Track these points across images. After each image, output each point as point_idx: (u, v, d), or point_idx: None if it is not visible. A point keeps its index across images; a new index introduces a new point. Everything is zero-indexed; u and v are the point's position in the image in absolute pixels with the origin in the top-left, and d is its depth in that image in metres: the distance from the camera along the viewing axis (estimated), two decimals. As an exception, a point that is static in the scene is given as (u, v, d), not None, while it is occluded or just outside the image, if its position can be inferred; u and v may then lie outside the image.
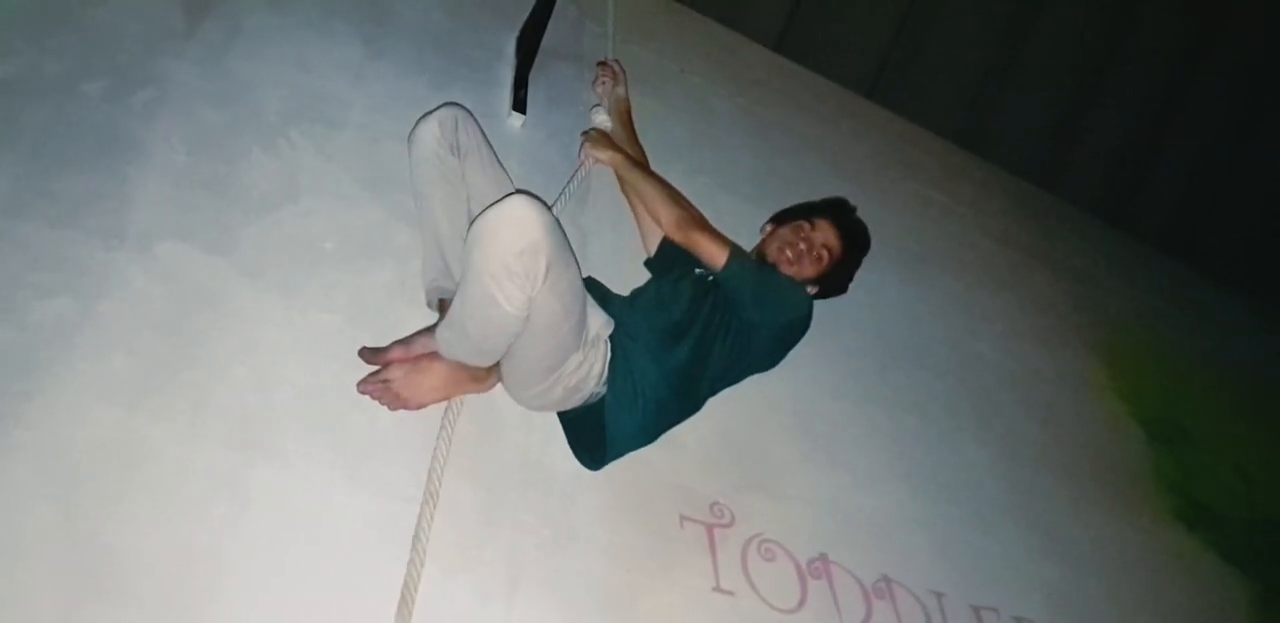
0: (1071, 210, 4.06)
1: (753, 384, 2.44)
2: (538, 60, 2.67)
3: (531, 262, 1.66)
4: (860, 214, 3.24)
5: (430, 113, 2.06)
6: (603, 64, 2.72)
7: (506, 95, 2.60)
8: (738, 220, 2.84)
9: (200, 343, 1.80)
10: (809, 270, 2.32)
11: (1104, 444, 3.14)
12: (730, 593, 2.04)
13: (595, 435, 1.98)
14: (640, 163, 2.49)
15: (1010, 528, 2.65)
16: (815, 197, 3.13)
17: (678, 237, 2.23)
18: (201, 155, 2.04)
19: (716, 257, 2.16)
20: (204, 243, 1.92)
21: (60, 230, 1.79)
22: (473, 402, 1.97)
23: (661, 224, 2.29)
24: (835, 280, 2.39)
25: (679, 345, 2.05)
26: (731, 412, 2.30)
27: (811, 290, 2.33)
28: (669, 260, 2.39)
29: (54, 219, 1.80)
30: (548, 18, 2.68)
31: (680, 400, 2.09)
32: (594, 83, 2.69)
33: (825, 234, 2.35)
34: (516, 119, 2.55)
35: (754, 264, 2.24)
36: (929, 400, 2.80)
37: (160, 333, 1.77)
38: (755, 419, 2.37)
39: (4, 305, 1.66)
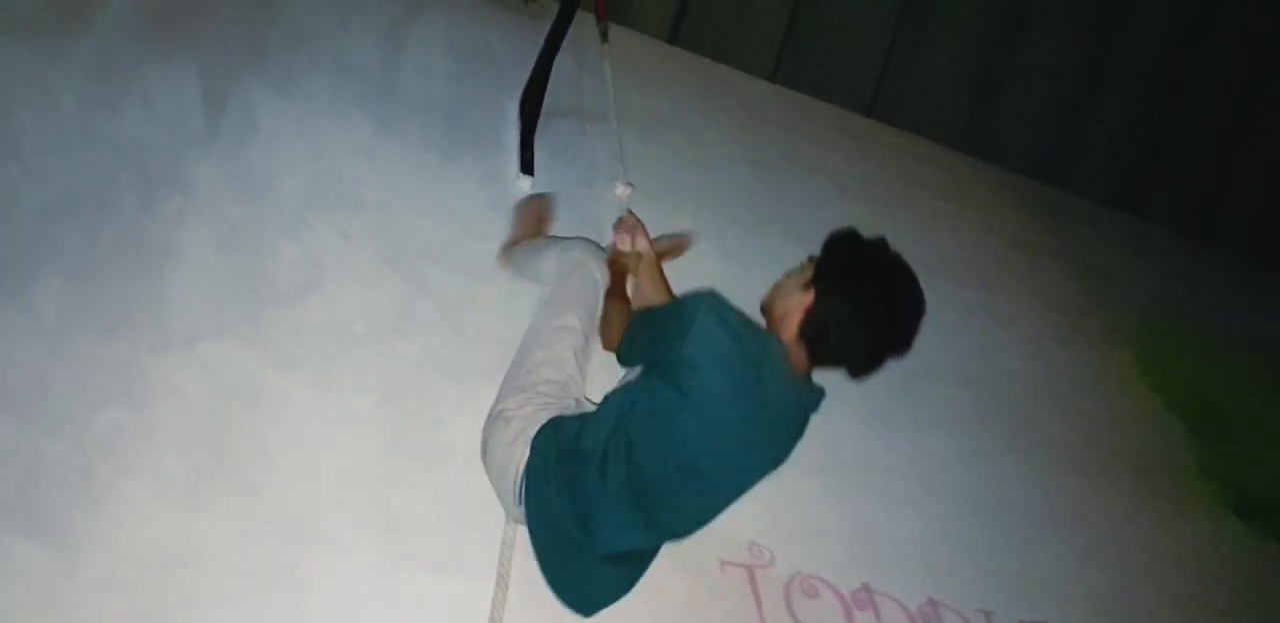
0: (1085, 204, 4.01)
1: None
2: (541, 120, 2.71)
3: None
4: (871, 231, 3.23)
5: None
6: (621, 223, 2.19)
7: (513, 159, 2.64)
8: (744, 250, 2.86)
9: (245, 437, 1.85)
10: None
11: (1143, 440, 3.08)
12: (777, 633, 2.05)
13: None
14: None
15: (1054, 538, 2.61)
16: (823, 221, 3.10)
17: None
18: (231, 252, 2.11)
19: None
20: (241, 338, 1.98)
21: (109, 341, 1.86)
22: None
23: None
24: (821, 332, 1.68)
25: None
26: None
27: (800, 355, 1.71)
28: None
29: (102, 331, 1.87)
30: (547, 79, 2.72)
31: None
32: (615, 240, 2.16)
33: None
34: (525, 181, 2.59)
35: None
36: (958, 416, 2.78)
37: (207, 431, 1.83)
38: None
39: (63, 419, 1.73)
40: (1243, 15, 4.07)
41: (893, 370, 2.76)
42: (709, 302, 1.65)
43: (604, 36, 2.57)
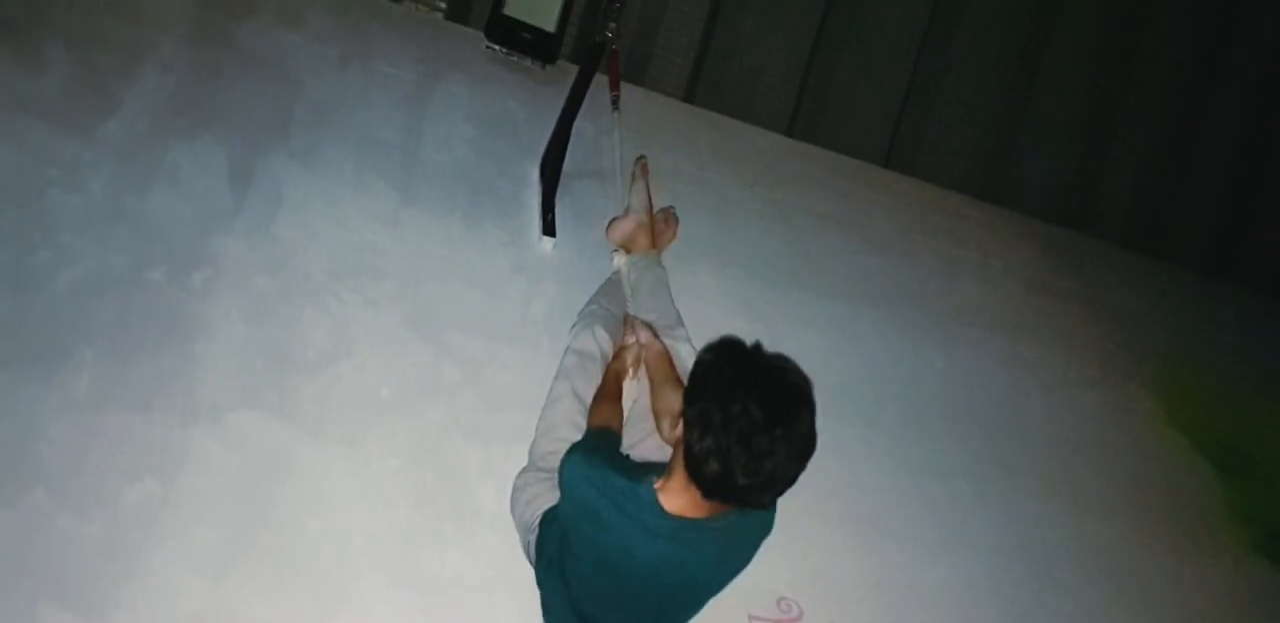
0: (1104, 247, 3.98)
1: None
2: (561, 182, 2.76)
3: None
4: (891, 280, 3.27)
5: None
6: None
7: (535, 221, 2.68)
8: (769, 306, 2.88)
9: (275, 504, 1.87)
10: None
11: (1169, 483, 3.03)
12: (807, 690, 2.02)
13: None
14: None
15: (1083, 584, 2.56)
16: (843, 272, 3.16)
17: None
18: (258, 323, 2.15)
19: None
20: (270, 408, 2.01)
21: (140, 415, 1.90)
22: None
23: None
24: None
25: None
26: (782, 504, 2.28)
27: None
28: None
29: (134, 404, 1.91)
30: (567, 142, 2.77)
31: None
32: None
33: None
34: (547, 242, 2.63)
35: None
36: (983, 463, 2.75)
37: (237, 500, 1.85)
38: (806, 507, 2.33)
39: (95, 494, 1.76)
40: (1259, 59, 4.08)
41: (916, 418, 2.80)
42: (577, 461, 1.55)
43: (615, 104, 2.62)
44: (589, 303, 2.21)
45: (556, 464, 1.65)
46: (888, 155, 3.81)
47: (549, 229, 2.65)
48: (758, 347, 1.53)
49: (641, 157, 2.50)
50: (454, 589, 1.88)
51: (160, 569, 1.71)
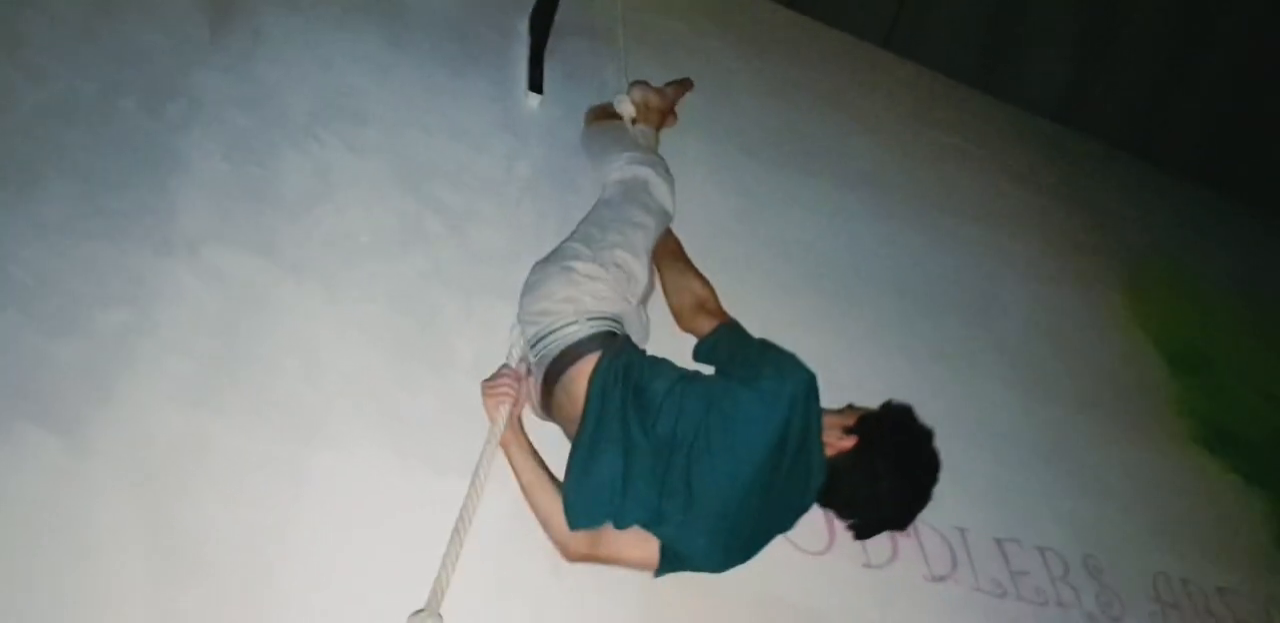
0: (1094, 146, 3.93)
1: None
2: (551, 38, 2.63)
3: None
4: (882, 166, 3.21)
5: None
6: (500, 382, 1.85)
7: (522, 76, 2.57)
8: (758, 182, 2.82)
9: (252, 340, 1.85)
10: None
11: (1125, 376, 3.10)
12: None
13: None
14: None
15: (1033, 464, 2.64)
16: (837, 153, 3.10)
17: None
18: (237, 160, 2.07)
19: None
20: (247, 245, 1.96)
21: (114, 244, 1.84)
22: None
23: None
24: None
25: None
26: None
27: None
28: None
29: (107, 234, 1.85)
30: (558, -4, 2.63)
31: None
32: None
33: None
34: (534, 99, 2.53)
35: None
36: (953, 348, 2.78)
37: (214, 333, 1.83)
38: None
39: (70, 319, 1.73)
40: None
41: (893, 300, 2.80)
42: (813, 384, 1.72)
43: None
44: (622, 151, 2.15)
45: (625, 285, 1.81)
46: (888, 37, 3.67)
47: (536, 86, 2.54)
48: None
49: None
50: (428, 432, 1.89)
51: (136, 395, 1.70)
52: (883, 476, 1.70)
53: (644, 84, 2.41)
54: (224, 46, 2.23)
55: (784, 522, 1.76)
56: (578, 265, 1.82)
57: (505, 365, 1.88)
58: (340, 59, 2.36)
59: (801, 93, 3.19)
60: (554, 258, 1.91)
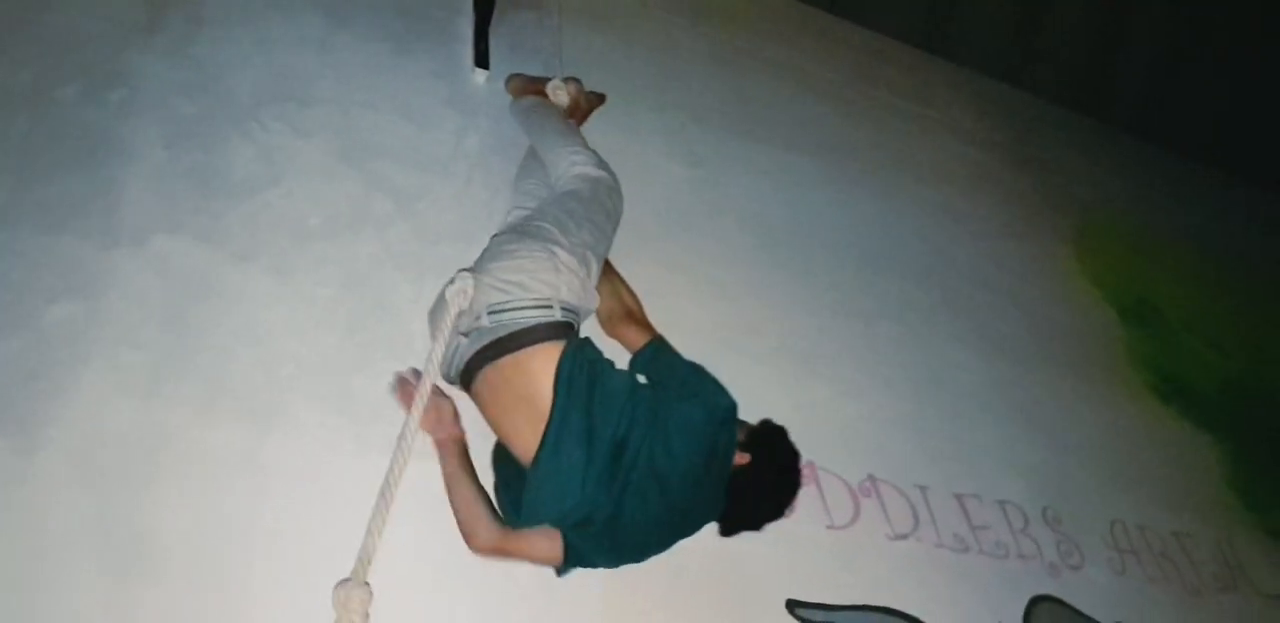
0: (1041, 104, 3.96)
1: (731, 309, 2.48)
2: (496, 12, 2.60)
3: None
4: (832, 130, 3.22)
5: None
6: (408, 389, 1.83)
7: (468, 51, 2.54)
8: (708, 149, 2.82)
9: (203, 329, 1.83)
10: None
11: (1077, 330, 3.15)
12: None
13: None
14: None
15: (989, 420, 2.69)
16: (786, 120, 3.10)
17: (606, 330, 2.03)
18: (180, 147, 2.03)
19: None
20: (194, 233, 1.93)
21: (56, 236, 1.81)
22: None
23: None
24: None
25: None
26: (713, 338, 2.32)
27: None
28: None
29: (49, 225, 1.82)
30: (501, -32, 2.60)
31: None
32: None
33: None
34: (480, 75, 2.50)
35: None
36: (906, 307, 2.81)
37: (164, 323, 1.80)
38: (736, 344, 2.39)
39: (14, 313, 1.70)
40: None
41: (845, 263, 2.82)
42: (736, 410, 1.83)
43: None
44: (581, 146, 2.13)
45: (585, 278, 1.83)
46: (833, 1, 3.66)
47: (482, 60, 2.51)
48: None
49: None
50: (385, 415, 1.88)
51: (87, 389, 1.68)
52: (769, 491, 1.82)
53: (578, 82, 2.39)
54: (163, 31, 2.18)
55: (689, 531, 1.81)
56: (560, 254, 1.80)
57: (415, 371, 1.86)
58: (282, 39, 2.32)
59: (749, 59, 3.18)
60: (531, 232, 1.86)
